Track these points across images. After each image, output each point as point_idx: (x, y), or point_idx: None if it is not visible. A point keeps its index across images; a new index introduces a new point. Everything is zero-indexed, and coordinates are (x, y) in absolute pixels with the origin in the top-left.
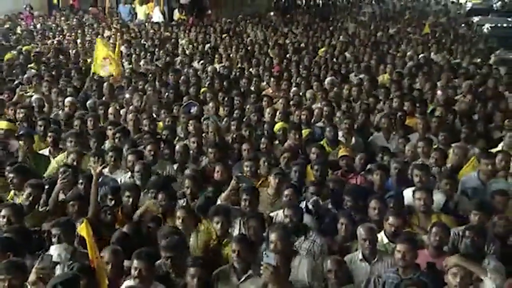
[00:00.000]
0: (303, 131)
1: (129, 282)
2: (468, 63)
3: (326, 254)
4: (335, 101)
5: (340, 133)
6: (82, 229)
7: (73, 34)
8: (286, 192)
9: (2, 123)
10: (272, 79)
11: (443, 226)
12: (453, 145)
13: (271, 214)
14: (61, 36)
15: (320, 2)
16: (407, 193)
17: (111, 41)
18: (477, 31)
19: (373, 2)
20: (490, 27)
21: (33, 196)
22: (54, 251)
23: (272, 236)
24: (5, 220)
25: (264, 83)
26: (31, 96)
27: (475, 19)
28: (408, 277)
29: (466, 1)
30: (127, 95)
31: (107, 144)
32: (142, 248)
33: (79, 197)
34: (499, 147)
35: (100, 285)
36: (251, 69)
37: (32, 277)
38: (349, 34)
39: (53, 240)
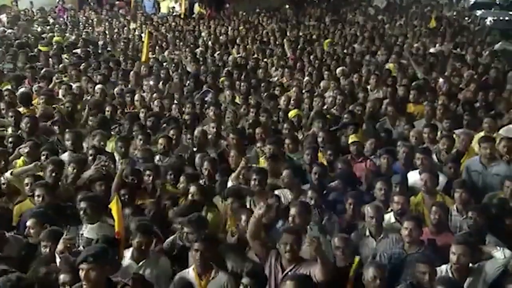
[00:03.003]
0: (291, 112)
1: (127, 252)
2: (471, 54)
3: (338, 231)
4: (349, 89)
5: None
6: (113, 204)
7: (101, 26)
8: (284, 173)
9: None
10: (286, 69)
11: (442, 206)
12: (457, 131)
13: (276, 192)
14: (90, 28)
15: None
16: (412, 175)
17: (136, 32)
18: (480, 24)
19: None
20: (493, 20)
21: (56, 172)
22: (92, 230)
23: (292, 211)
24: (40, 199)
25: (278, 72)
26: (67, 83)
27: (478, 12)
28: (414, 252)
29: None
30: (151, 82)
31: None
32: (143, 221)
33: (104, 176)
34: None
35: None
36: (265, 59)
37: (60, 246)
38: (358, 27)
39: (81, 213)
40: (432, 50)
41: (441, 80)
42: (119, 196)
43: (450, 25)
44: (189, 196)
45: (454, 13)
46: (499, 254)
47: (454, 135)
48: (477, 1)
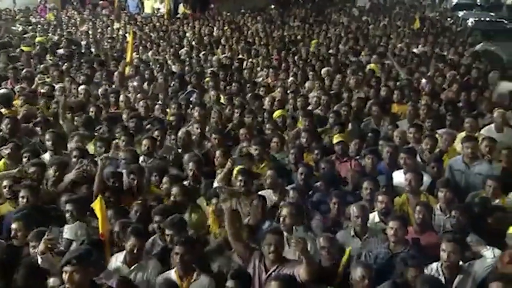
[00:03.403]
0: (276, 112)
1: (120, 255)
2: (453, 55)
3: (322, 231)
4: (336, 91)
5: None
6: (96, 204)
7: (84, 26)
8: (268, 173)
9: None
10: (270, 69)
11: (426, 205)
12: (439, 131)
13: (261, 193)
14: (73, 28)
15: None
16: (397, 175)
17: (120, 32)
18: (462, 25)
19: None
20: (474, 21)
21: (38, 174)
22: (69, 230)
23: (284, 211)
24: (24, 200)
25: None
26: (49, 84)
27: (460, 13)
28: (399, 251)
29: None
30: (135, 83)
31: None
32: (136, 225)
33: (85, 180)
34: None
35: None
36: (250, 60)
37: (41, 247)
38: (343, 27)
39: (67, 215)
40: (415, 50)
41: (423, 80)
42: (103, 197)
43: (433, 26)
44: (171, 197)
45: (437, 14)
46: (489, 253)
47: (437, 135)
48: (459, 2)
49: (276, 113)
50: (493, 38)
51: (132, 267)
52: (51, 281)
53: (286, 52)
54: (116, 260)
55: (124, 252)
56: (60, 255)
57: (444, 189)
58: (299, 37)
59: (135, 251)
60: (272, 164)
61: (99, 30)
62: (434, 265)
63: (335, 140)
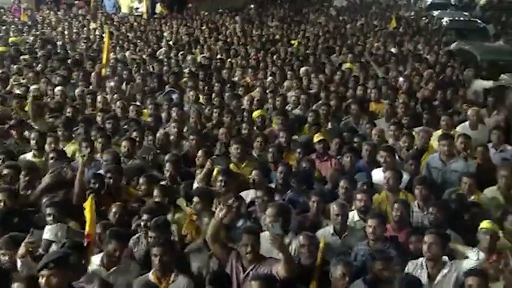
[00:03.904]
0: (255, 112)
1: (96, 258)
2: (429, 54)
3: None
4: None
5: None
6: (87, 204)
7: (60, 26)
8: (253, 174)
9: None
10: (249, 69)
11: (403, 203)
12: (416, 129)
13: (242, 194)
14: (48, 28)
15: None
16: (376, 173)
17: (97, 32)
18: (437, 24)
19: None
20: (449, 20)
21: (10, 176)
22: (50, 230)
23: (269, 211)
24: (1, 204)
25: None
26: (24, 86)
27: (435, 13)
28: (378, 249)
29: None
30: (112, 84)
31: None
32: (117, 228)
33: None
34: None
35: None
36: (229, 60)
37: (21, 250)
38: (321, 27)
39: (48, 219)
40: (393, 50)
41: (401, 79)
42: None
43: (409, 26)
44: (154, 198)
45: (412, 14)
46: (473, 255)
47: (414, 133)
48: (434, 2)
49: (255, 113)
50: (466, 37)
51: (111, 270)
52: (15, 286)
53: (264, 51)
54: (93, 263)
55: (101, 254)
56: (38, 260)
57: (420, 186)
58: (277, 36)
59: (115, 254)
60: (257, 164)
61: (75, 30)
62: (420, 260)
63: (316, 139)
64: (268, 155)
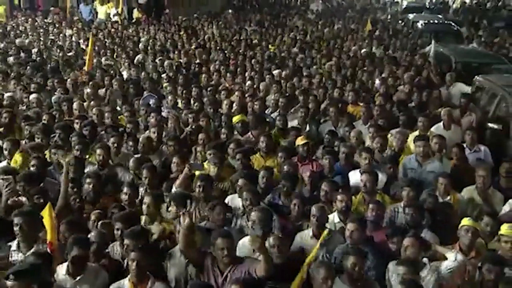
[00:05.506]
0: (236, 117)
1: (61, 268)
2: (404, 56)
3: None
4: (291, 92)
5: (295, 122)
6: (45, 211)
7: (35, 33)
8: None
9: None
10: (227, 73)
11: (379, 204)
12: (392, 131)
13: (226, 200)
14: (23, 35)
15: (271, 0)
16: (352, 175)
17: (73, 39)
18: (412, 27)
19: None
20: (424, 23)
21: None
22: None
23: (252, 214)
24: None
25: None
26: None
27: (411, 16)
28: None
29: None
30: (89, 90)
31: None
32: (79, 235)
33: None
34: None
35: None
36: (207, 64)
37: None
38: (298, 31)
39: (15, 229)
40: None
41: (377, 81)
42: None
43: (385, 29)
44: (144, 206)
45: (388, 17)
46: (452, 256)
47: (390, 135)
48: (409, 5)
49: (235, 118)
50: (441, 40)
51: (78, 278)
52: None
53: (242, 56)
54: (59, 272)
55: (67, 262)
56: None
57: (408, 188)
58: (255, 41)
59: (78, 261)
60: (244, 172)
61: (51, 37)
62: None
63: (299, 142)
64: (236, 162)
